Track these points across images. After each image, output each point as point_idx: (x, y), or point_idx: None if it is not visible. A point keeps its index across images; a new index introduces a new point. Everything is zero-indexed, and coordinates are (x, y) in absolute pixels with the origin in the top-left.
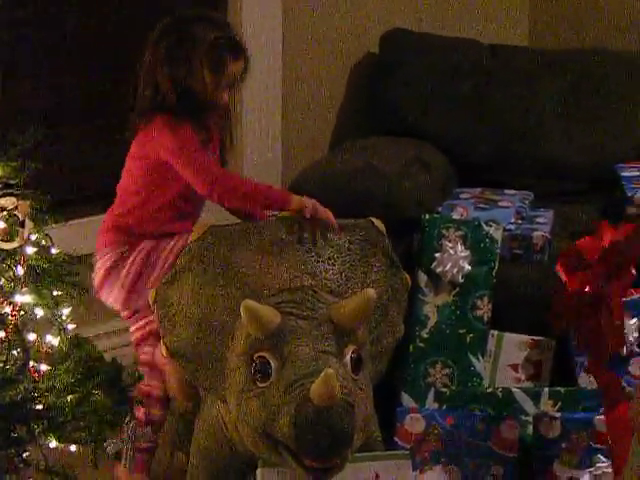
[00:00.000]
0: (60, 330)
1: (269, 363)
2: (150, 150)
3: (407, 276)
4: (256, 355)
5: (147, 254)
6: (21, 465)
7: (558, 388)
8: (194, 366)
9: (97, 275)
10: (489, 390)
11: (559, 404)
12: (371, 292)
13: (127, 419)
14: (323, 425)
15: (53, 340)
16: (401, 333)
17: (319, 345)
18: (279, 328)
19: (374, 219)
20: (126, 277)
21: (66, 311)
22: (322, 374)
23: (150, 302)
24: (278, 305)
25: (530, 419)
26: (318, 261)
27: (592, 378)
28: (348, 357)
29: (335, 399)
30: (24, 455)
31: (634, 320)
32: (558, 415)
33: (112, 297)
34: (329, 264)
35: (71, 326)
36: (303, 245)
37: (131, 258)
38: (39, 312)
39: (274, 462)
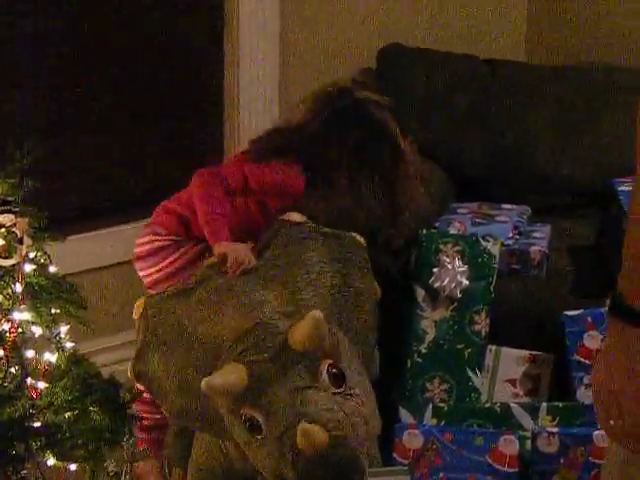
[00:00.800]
0: (58, 348)
1: (255, 418)
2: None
3: (377, 286)
4: (241, 412)
5: (190, 259)
6: None
7: (556, 403)
8: (201, 424)
9: (143, 247)
10: (487, 405)
11: (557, 419)
12: (317, 313)
13: (126, 437)
14: (323, 469)
15: (51, 357)
16: (378, 294)
17: (290, 383)
18: (248, 384)
19: (355, 234)
20: (167, 266)
21: (64, 329)
22: (299, 427)
23: (131, 378)
24: (240, 357)
25: (528, 434)
26: (267, 287)
27: (590, 393)
28: (324, 375)
29: (323, 445)
30: (22, 473)
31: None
32: (556, 430)
33: (145, 273)
34: (277, 286)
35: (69, 344)
36: (241, 275)
37: (179, 252)
38: (37, 330)
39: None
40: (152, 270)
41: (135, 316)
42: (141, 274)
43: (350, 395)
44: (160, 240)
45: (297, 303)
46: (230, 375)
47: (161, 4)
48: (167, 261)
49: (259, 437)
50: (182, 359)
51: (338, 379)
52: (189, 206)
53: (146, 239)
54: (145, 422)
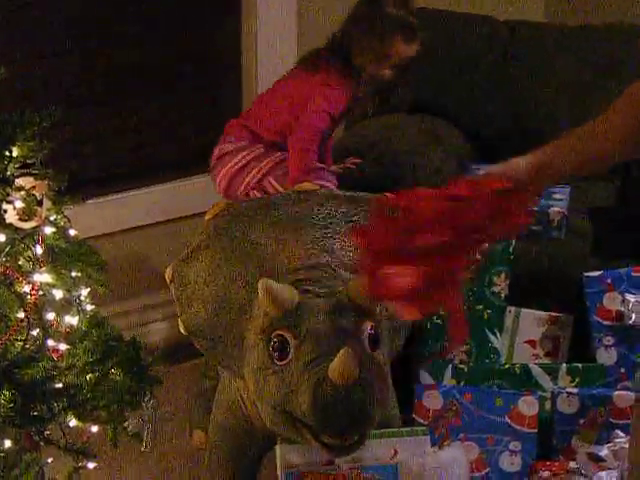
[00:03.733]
0: (79, 310)
1: (287, 341)
2: (304, 92)
3: None
4: (274, 333)
5: (253, 158)
6: (41, 443)
7: (576, 364)
8: (212, 344)
9: (213, 158)
10: (507, 366)
11: (577, 380)
12: None
13: (147, 398)
14: (342, 403)
15: (72, 320)
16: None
17: (337, 322)
18: (297, 306)
19: (389, 195)
20: (232, 166)
21: (84, 291)
22: (340, 353)
23: (167, 280)
24: (295, 283)
25: (548, 395)
26: (334, 237)
27: (610, 354)
28: (366, 333)
29: (353, 377)
30: (45, 433)
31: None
32: (576, 391)
33: (217, 180)
34: (345, 240)
35: (89, 307)
36: (318, 221)
37: (241, 154)
38: (57, 292)
39: (293, 439)
40: (220, 175)
41: (207, 216)
42: (215, 183)
43: (378, 366)
44: (225, 147)
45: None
46: (286, 290)
47: None
48: (231, 163)
49: (280, 363)
50: (233, 269)
51: (375, 343)
52: (251, 117)
53: (216, 151)
54: None
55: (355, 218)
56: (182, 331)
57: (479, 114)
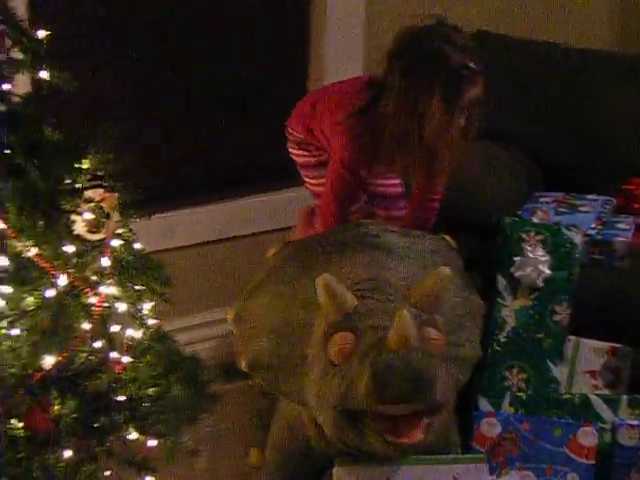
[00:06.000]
0: (142, 324)
1: (347, 342)
2: (328, 134)
3: (482, 301)
4: (335, 336)
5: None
6: (102, 455)
7: (637, 396)
8: (274, 374)
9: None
10: (566, 396)
11: (638, 412)
12: (446, 269)
13: (205, 415)
14: (401, 366)
15: (134, 333)
16: (479, 354)
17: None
18: (356, 308)
19: (445, 235)
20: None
21: (148, 305)
22: (396, 316)
23: (229, 321)
24: (355, 292)
25: (608, 427)
26: (392, 259)
27: None
28: (427, 339)
29: (412, 339)
30: (106, 445)
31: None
32: (637, 423)
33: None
34: (403, 264)
35: (152, 321)
36: (375, 245)
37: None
38: (121, 305)
39: (350, 461)
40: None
41: (268, 254)
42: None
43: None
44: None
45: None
46: (343, 289)
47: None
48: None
49: (339, 363)
50: (293, 294)
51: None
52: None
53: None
54: None
55: (414, 248)
56: (243, 369)
57: (545, 140)
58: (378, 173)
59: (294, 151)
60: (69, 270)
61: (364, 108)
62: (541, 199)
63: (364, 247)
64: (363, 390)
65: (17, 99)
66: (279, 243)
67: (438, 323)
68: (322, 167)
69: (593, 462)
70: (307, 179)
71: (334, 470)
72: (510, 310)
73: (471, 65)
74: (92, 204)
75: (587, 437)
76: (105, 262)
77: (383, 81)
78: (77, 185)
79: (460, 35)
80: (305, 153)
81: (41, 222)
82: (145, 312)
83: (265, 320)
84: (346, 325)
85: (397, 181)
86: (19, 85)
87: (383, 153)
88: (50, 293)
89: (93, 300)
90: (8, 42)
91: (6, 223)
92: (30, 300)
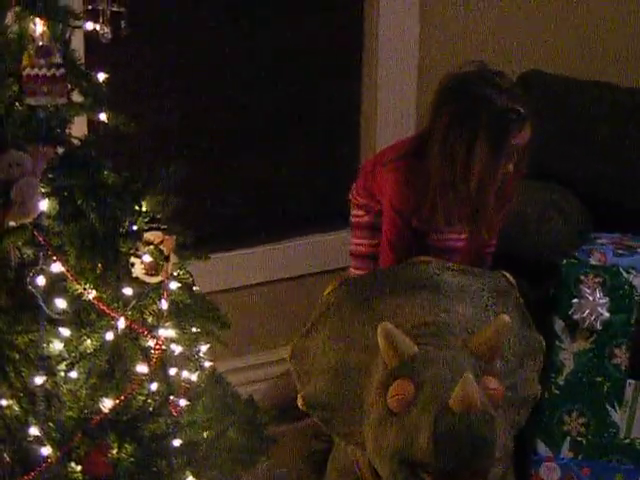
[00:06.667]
0: (198, 366)
1: (406, 391)
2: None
3: (542, 338)
4: (394, 384)
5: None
6: None
7: None
8: (330, 414)
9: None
10: (627, 441)
11: None
12: (506, 317)
13: (262, 458)
14: (464, 433)
15: (190, 375)
16: (538, 392)
17: (457, 370)
18: (416, 356)
19: (505, 272)
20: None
21: (204, 347)
22: (461, 380)
23: (287, 358)
24: (414, 338)
25: None
26: (451, 302)
27: None
28: (488, 390)
29: (475, 405)
30: None
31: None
32: None
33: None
34: (463, 306)
35: (207, 363)
36: (436, 287)
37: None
38: (177, 347)
39: None
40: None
41: (326, 292)
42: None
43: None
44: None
45: (481, 325)
46: (403, 336)
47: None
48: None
49: (399, 412)
50: (352, 337)
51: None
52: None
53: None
54: None
55: (473, 288)
56: (301, 407)
57: (598, 182)
58: (436, 226)
59: (353, 211)
60: (127, 313)
61: (414, 152)
62: (597, 240)
63: (424, 287)
64: (423, 446)
65: (76, 141)
66: (337, 279)
67: (497, 371)
68: (369, 229)
69: None
70: (353, 238)
71: None
72: (569, 353)
73: (517, 108)
74: (151, 247)
75: None
76: (164, 305)
77: (430, 128)
78: (135, 227)
79: (504, 79)
80: (360, 213)
81: (100, 264)
82: (201, 354)
83: (323, 359)
84: (406, 373)
85: (463, 236)
86: (76, 127)
87: (428, 201)
88: (109, 336)
89: (151, 343)
90: (67, 85)
91: (66, 265)
92: (89, 343)
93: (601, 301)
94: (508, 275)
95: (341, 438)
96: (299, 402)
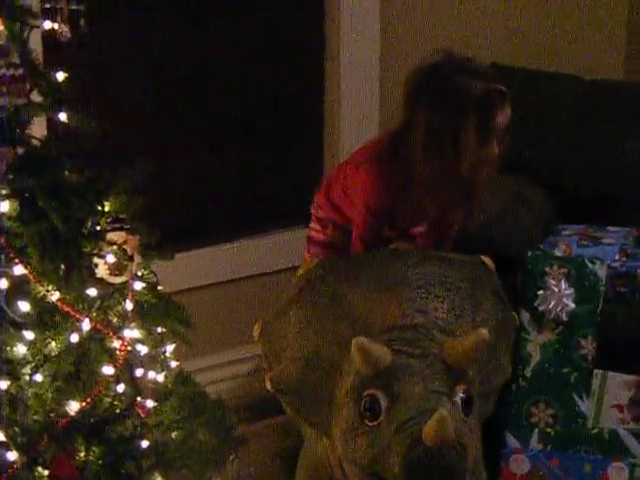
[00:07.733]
0: (164, 367)
1: (378, 401)
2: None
3: (515, 315)
4: (365, 393)
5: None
6: None
7: None
8: (299, 401)
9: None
10: (595, 431)
11: None
12: (484, 332)
13: (231, 458)
14: (435, 467)
15: (157, 376)
16: (509, 374)
17: (430, 384)
18: (390, 366)
19: (484, 257)
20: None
21: (170, 347)
22: (435, 415)
23: (255, 337)
24: (389, 343)
25: (638, 461)
26: (428, 298)
27: None
28: (459, 397)
29: (448, 441)
30: None
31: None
32: None
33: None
34: (439, 302)
35: (173, 363)
36: (412, 282)
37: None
38: (143, 348)
39: None
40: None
41: (299, 272)
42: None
43: (470, 430)
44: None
45: (457, 322)
46: (380, 349)
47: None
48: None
49: (370, 424)
50: (325, 326)
51: (468, 407)
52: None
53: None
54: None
55: (450, 280)
56: (269, 388)
57: (560, 173)
58: (404, 225)
59: (311, 224)
60: (92, 314)
61: (389, 153)
62: (562, 232)
63: (401, 283)
64: (394, 469)
65: (36, 142)
66: (311, 260)
67: (471, 379)
68: (323, 247)
69: None
70: (306, 252)
71: None
72: (535, 345)
73: (498, 87)
74: (114, 247)
75: (617, 473)
76: (128, 305)
77: (406, 125)
78: (98, 228)
79: (474, 63)
80: (317, 227)
81: (63, 266)
82: (168, 354)
83: (294, 345)
84: (378, 384)
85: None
86: (35, 127)
87: (413, 200)
88: (74, 338)
89: (116, 344)
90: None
91: (28, 267)
92: (53, 345)
93: (566, 292)
94: (487, 260)
95: (311, 427)
96: (267, 384)
